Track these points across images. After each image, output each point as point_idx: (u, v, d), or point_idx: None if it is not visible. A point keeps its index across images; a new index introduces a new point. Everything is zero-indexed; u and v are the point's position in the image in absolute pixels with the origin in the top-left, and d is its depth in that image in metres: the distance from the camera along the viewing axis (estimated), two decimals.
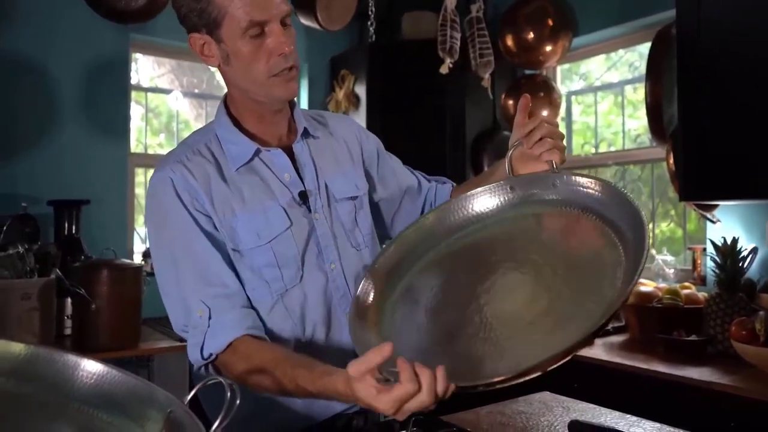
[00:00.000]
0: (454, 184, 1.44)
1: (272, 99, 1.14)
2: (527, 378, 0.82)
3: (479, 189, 1.16)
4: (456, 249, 1.13)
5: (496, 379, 0.82)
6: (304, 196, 1.18)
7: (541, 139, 1.11)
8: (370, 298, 1.06)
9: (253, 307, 1.12)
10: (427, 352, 0.96)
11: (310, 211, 1.18)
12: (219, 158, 1.16)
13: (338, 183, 1.23)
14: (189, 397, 0.85)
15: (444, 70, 2.93)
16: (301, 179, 1.19)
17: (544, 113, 2.99)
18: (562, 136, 1.14)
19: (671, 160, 2.45)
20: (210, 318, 1.06)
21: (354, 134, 1.34)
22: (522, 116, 1.17)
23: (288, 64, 1.10)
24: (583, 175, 1.06)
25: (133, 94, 3.28)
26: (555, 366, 0.82)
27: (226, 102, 1.21)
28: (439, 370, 0.80)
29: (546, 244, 1.06)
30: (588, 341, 0.84)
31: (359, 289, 1.07)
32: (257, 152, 1.16)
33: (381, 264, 1.11)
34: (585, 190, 1.05)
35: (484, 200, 1.15)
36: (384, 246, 1.17)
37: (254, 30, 1.06)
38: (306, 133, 1.23)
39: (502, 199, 1.14)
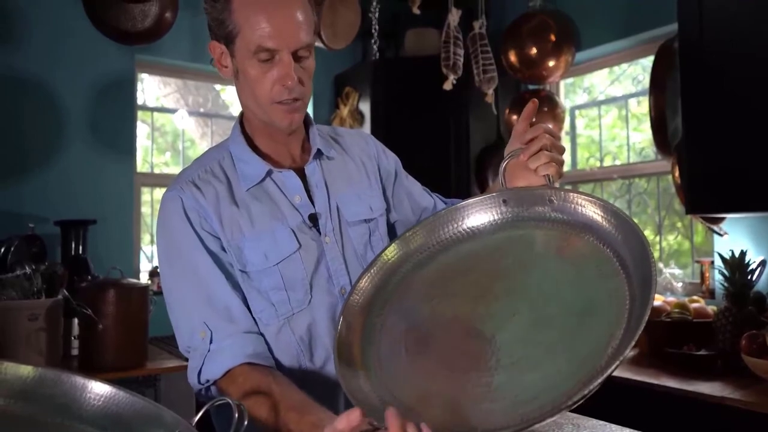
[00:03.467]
0: None
1: (273, 124, 1.14)
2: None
3: (470, 201, 1.10)
4: (445, 271, 1.06)
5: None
6: (314, 219, 1.16)
7: (539, 150, 1.09)
8: (352, 337, 0.98)
9: (260, 332, 1.11)
10: (421, 392, 0.90)
11: (320, 233, 1.16)
12: (231, 177, 1.16)
13: (351, 205, 1.21)
14: (197, 418, 0.85)
15: (447, 86, 2.95)
16: (312, 201, 1.17)
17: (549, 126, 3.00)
18: (562, 150, 1.12)
19: (677, 173, 2.45)
20: (211, 342, 1.05)
21: (371, 152, 1.32)
22: (524, 125, 1.15)
23: (291, 96, 1.09)
24: (580, 193, 1.02)
25: (139, 114, 3.31)
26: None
27: (242, 119, 1.21)
28: (425, 429, 0.76)
29: (541, 267, 0.99)
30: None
31: (338, 329, 0.98)
32: (269, 173, 1.16)
33: (357, 299, 1.03)
34: (582, 209, 1.00)
35: (475, 214, 1.10)
36: (362, 272, 1.07)
37: (264, 54, 1.07)
38: (319, 154, 1.21)
39: (494, 213, 1.09)
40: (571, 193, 1.03)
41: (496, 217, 1.09)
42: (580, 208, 1.00)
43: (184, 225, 1.11)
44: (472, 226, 1.10)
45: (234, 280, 1.11)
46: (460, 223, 1.11)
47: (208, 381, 1.05)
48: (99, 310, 2.18)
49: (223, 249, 1.12)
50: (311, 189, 1.18)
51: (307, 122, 1.22)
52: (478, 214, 1.10)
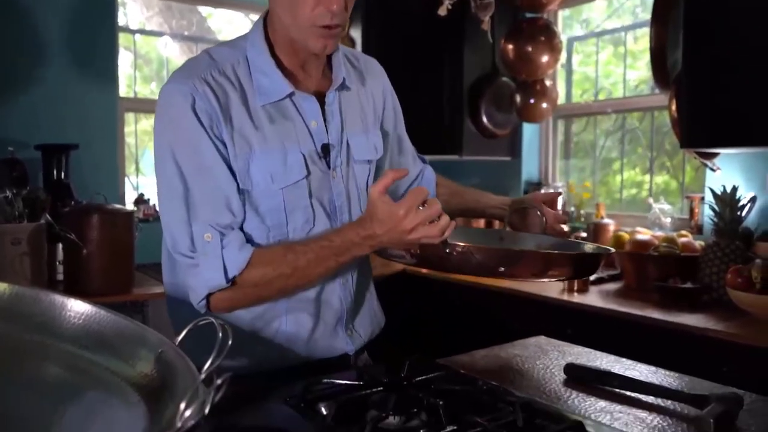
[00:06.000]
0: (433, 172, 1.41)
1: (306, 47, 1.07)
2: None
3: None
4: None
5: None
6: (326, 150, 1.13)
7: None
8: None
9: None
10: None
11: (329, 167, 1.13)
12: (245, 86, 1.08)
13: (359, 143, 1.18)
14: (180, 337, 0.83)
15: (442, 11, 2.84)
16: (327, 131, 1.13)
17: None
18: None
19: (673, 107, 2.40)
20: (222, 240, 1.03)
21: (381, 88, 1.28)
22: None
23: (332, 21, 1.03)
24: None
25: (122, 40, 3.18)
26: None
27: (266, 22, 1.12)
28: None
29: None
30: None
31: None
32: (291, 95, 1.10)
33: None
34: None
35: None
36: None
37: None
38: (342, 84, 1.16)
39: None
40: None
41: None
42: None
43: (194, 124, 1.03)
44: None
45: (238, 187, 1.06)
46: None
47: (234, 276, 1.03)
48: (83, 235, 2.16)
49: (229, 159, 1.06)
50: (327, 117, 1.14)
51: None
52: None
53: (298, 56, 1.11)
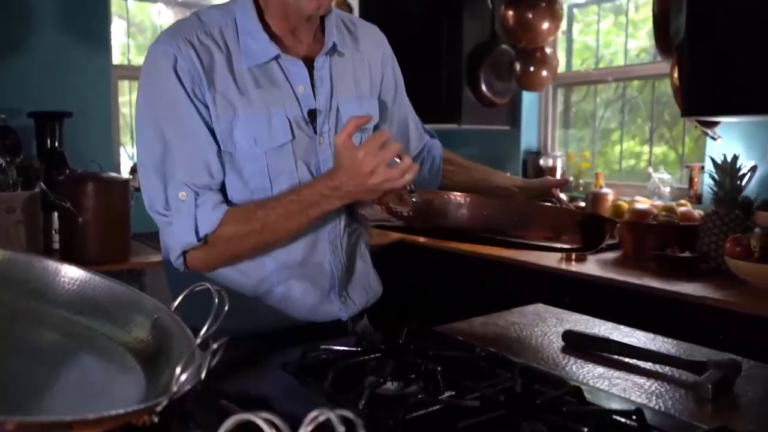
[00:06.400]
0: (440, 146, 1.39)
1: (298, 8, 1.05)
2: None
3: None
4: None
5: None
6: (313, 115, 1.12)
7: None
8: None
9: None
10: None
11: (316, 133, 1.12)
12: (232, 48, 1.08)
13: (350, 110, 1.16)
14: (176, 303, 0.83)
15: None
16: (315, 96, 1.12)
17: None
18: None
19: (675, 75, 2.37)
20: (197, 199, 1.04)
21: (380, 55, 1.26)
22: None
23: None
24: None
25: (115, 7, 3.12)
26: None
27: None
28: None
29: None
30: None
31: None
32: (276, 57, 1.09)
33: None
34: None
35: None
36: None
37: None
38: (332, 49, 1.14)
39: None
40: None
41: None
42: None
43: (176, 85, 1.04)
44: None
45: (219, 151, 1.07)
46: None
47: (206, 234, 1.05)
48: (78, 203, 2.14)
49: (211, 122, 1.06)
50: (315, 83, 1.12)
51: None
52: None
53: (289, 20, 1.09)
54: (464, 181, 1.39)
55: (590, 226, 1.07)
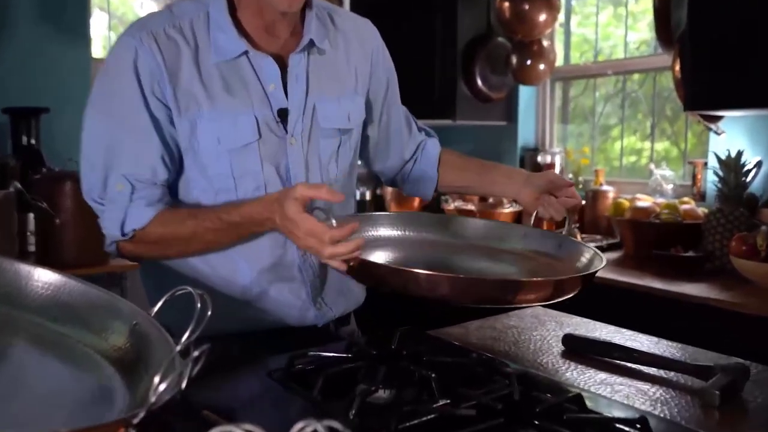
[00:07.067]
0: (438, 143, 1.37)
1: (270, 4, 1.05)
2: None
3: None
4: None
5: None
6: (283, 115, 1.10)
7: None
8: None
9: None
10: None
11: (287, 132, 1.11)
12: (201, 42, 1.07)
13: (329, 110, 1.15)
14: (156, 308, 0.81)
15: None
16: (286, 95, 1.10)
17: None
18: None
19: (677, 67, 2.37)
20: (132, 193, 1.06)
21: (370, 51, 1.24)
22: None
23: None
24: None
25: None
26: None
27: None
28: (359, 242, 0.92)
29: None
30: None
31: None
32: (246, 53, 1.08)
33: None
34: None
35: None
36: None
37: None
38: (310, 44, 1.12)
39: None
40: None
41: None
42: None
43: (131, 80, 1.05)
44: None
45: (171, 156, 1.08)
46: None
47: (133, 230, 1.06)
48: (56, 204, 2.12)
49: (171, 122, 1.07)
50: (289, 81, 1.11)
51: (305, 3, 1.11)
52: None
53: (264, 16, 1.08)
54: (462, 185, 1.38)
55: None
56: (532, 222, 1.21)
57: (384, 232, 1.18)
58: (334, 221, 0.94)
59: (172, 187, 1.12)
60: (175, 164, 1.09)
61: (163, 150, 1.07)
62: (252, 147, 1.08)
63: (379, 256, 1.08)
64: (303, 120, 1.12)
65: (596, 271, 1.00)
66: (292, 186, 1.10)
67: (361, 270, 0.94)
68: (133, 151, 1.06)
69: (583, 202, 2.79)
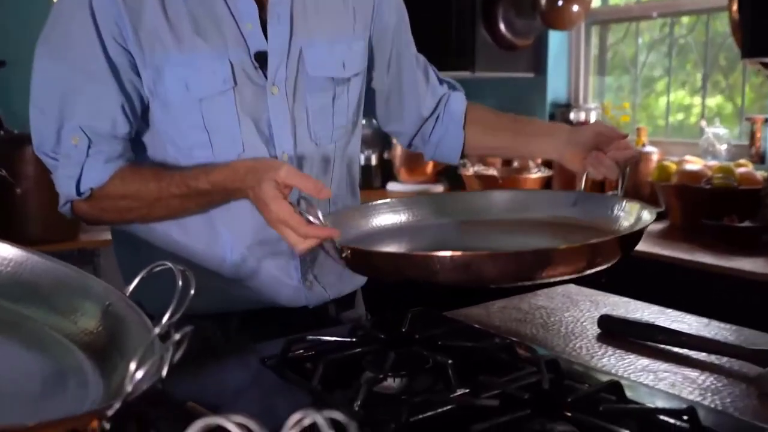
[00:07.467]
0: (465, 98, 1.37)
1: None
2: None
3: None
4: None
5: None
6: (262, 59, 1.10)
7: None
8: None
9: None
10: None
11: (267, 79, 1.10)
12: None
13: (318, 55, 1.14)
14: (132, 287, 0.82)
15: None
16: (266, 36, 1.10)
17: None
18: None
19: (734, 7, 2.34)
20: (89, 148, 1.06)
21: None
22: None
23: None
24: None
25: None
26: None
27: None
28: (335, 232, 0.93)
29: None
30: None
31: None
32: None
33: None
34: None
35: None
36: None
37: None
38: None
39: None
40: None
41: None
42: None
43: (86, 19, 1.04)
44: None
45: (132, 109, 1.08)
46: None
47: (90, 189, 1.07)
48: (16, 171, 2.15)
49: (134, 67, 1.07)
50: (269, 19, 1.10)
51: None
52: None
53: None
54: (492, 148, 1.37)
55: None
56: (582, 185, 1.18)
57: (382, 221, 1.18)
58: (321, 215, 0.93)
59: (140, 143, 1.13)
60: (137, 117, 1.10)
61: (124, 99, 1.07)
62: (227, 96, 1.08)
63: (389, 247, 1.09)
64: (288, 66, 1.11)
65: (646, 226, 1.05)
66: (276, 153, 1.11)
67: (356, 258, 0.96)
68: (89, 100, 1.06)
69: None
